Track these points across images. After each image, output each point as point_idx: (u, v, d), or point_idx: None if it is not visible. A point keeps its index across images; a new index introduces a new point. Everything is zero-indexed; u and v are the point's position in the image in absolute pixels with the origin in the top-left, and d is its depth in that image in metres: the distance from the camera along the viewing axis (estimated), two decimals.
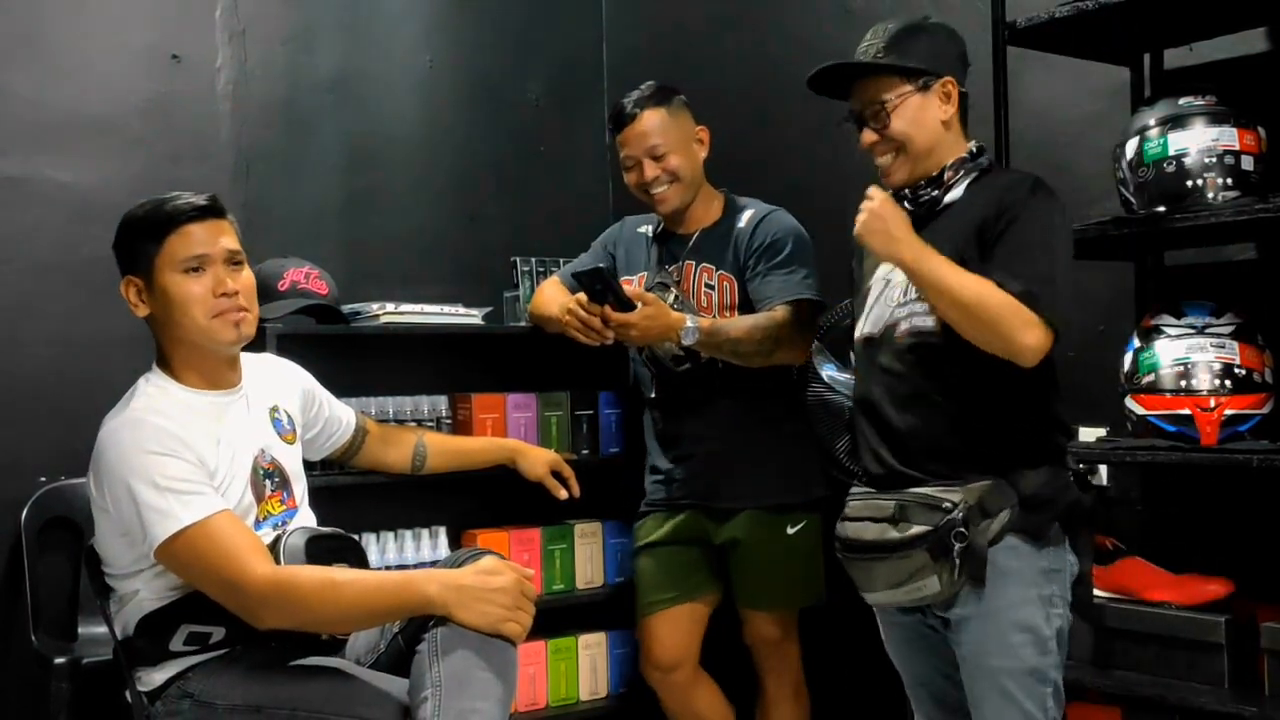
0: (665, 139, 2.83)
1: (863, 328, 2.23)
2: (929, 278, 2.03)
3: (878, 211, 2.10)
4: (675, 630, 2.94)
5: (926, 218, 2.15)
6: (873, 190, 2.14)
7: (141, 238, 2.14)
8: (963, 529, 1.98)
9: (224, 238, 2.16)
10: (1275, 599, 2.29)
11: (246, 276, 2.20)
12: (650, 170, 2.83)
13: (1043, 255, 2.02)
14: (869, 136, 2.19)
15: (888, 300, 2.17)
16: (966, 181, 2.16)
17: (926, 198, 2.16)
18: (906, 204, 2.16)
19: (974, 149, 2.19)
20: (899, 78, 2.14)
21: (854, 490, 2.21)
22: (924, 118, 2.14)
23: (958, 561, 1.98)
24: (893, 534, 2.04)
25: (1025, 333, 1.96)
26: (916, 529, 2.01)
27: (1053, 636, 2.05)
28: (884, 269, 2.20)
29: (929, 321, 2.08)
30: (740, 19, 3.50)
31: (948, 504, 2.00)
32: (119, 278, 2.22)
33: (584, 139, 3.79)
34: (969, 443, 2.06)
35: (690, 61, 3.55)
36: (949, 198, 2.16)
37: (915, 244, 2.06)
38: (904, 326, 2.12)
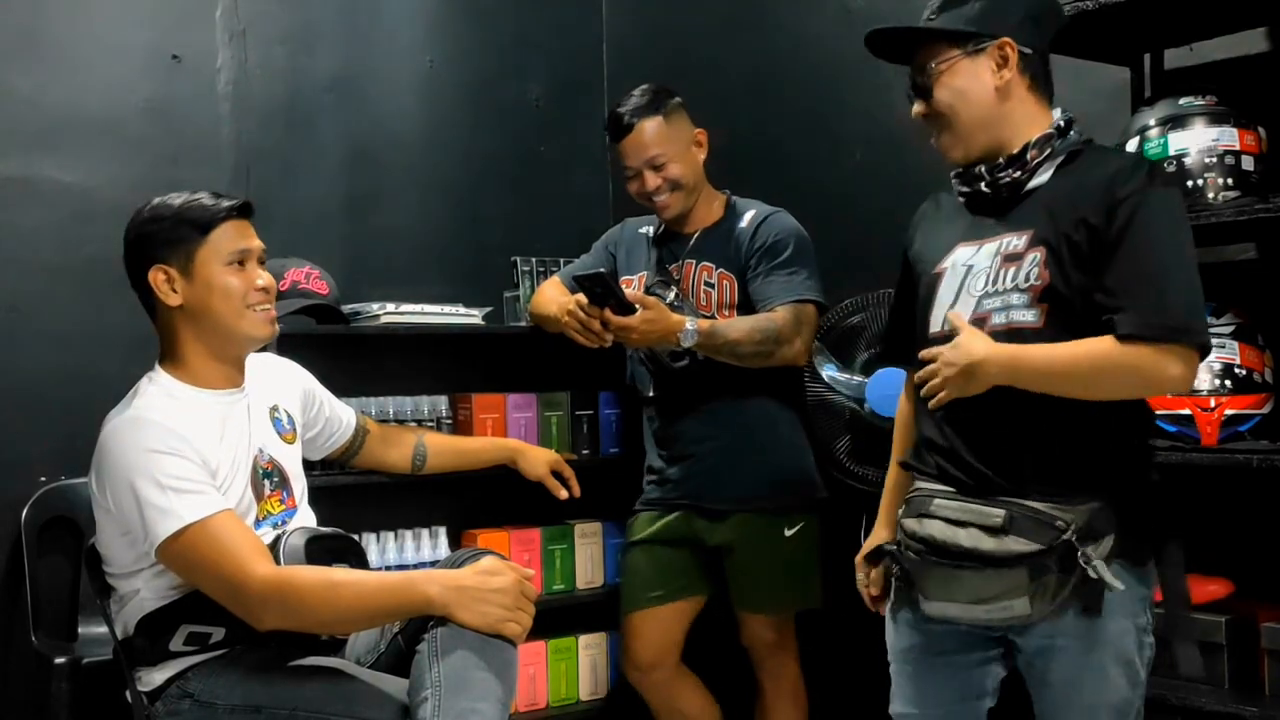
0: (664, 148, 2.82)
1: (941, 321, 1.98)
2: (1037, 377, 1.85)
3: (949, 368, 1.90)
4: (657, 629, 2.93)
5: (1010, 202, 1.95)
6: (927, 352, 1.95)
7: (184, 227, 2.16)
8: (1071, 554, 1.81)
9: (255, 237, 2.23)
10: (1275, 599, 2.29)
11: (270, 277, 2.25)
12: (651, 181, 2.83)
13: (1176, 272, 1.82)
14: (918, 108, 2.00)
15: (971, 289, 1.95)
16: (1056, 162, 1.94)
17: (1007, 180, 1.94)
18: (984, 186, 1.97)
19: (1061, 123, 1.96)
20: (947, 41, 1.94)
21: (925, 486, 2.00)
22: (973, 86, 1.93)
23: (1060, 586, 1.81)
24: (999, 546, 1.84)
25: (1168, 369, 1.80)
26: (1024, 545, 1.82)
27: (1144, 667, 1.93)
28: (963, 252, 1.99)
29: (1029, 316, 1.88)
30: (740, 19, 3.50)
31: (1061, 523, 1.82)
32: (120, 277, 2.22)
33: (584, 139, 3.79)
34: (1074, 457, 1.88)
35: (690, 61, 3.55)
36: (1035, 181, 1.94)
37: (1000, 358, 1.86)
38: (997, 321, 1.91)
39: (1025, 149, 1.93)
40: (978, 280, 1.95)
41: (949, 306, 1.97)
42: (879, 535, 2.18)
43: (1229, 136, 2.20)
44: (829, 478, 2.88)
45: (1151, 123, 2.27)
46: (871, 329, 2.83)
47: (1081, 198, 1.87)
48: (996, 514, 1.84)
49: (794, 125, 3.33)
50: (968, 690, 2.04)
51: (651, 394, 2.95)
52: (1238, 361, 2.18)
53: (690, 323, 2.68)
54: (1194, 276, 1.85)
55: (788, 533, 2.84)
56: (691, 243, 2.92)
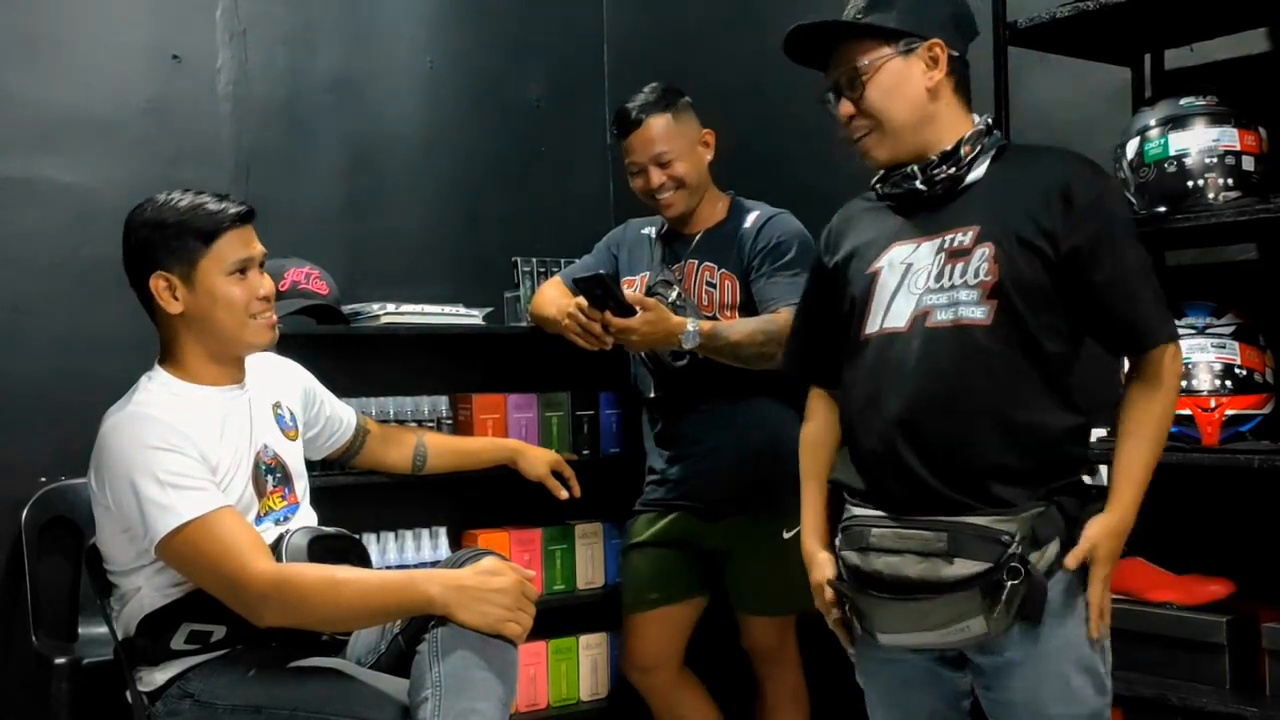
0: (671, 146, 2.82)
1: (878, 321, 1.94)
2: (1139, 498, 1.86)
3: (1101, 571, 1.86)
4: (658, 632, 2.93)
5: (945, 199, 1.93)
6: (1070, 560, 1.85)
7: (186, 236, 2.14)
8: (1019, 565, 1.77)
9: (257, 243, 2.22)
10: (1276, 599, 2.28)
11: (271, 283, 2.25)
12: (656, 177, 2.83)
13: (1142, 271, 1.87)
14: (845, 108, 1.97)
15: (912, 287, 1.91)
16: (988, 159, 1.93)
17: (944, 176, 1.92)
18: (919, 184, 1.94)
19: (988, 121, 1.97)
20: (877, 40, 1.92)
21: (858, 513, 1.94)
22: (905, 87, 1.92)
23: (1009, 600, 1.76)
24: (947, 571, 1.78)
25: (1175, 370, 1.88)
26: (973, 566, 1.77)
27: (1108, 673, 1.90)
28: (900, 250, 1.95)
29: (978, 313, 1.84)
30: (740, 19, 3.50)
31: (1006, 536, 1.78)
32: (120, 277, 2.22)
33: (584, 139, 3.79)
34: (1023, 459, 1.84)
35: (691, 61, 3.54)
36: (972, 176, 1.93)
37: (1116, 516, 1.86)
38: (942, 317, 1.86)
39: (959, 145, 1.92)
40: (918, 277, 1.90)
41: (887, 305, 1.93)
42: (822, 561, 2.10)
43: (1229, 137, 2.20)
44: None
45: (1152, 123, 2.26)
46: None
47: (1028, 193, 1.87)
48: (940, 537, 1.80)
49: (794, 126, 3.32)
50: (937, 711, 2.01)
51: (653, 395, 2.94)
52: (1238, 362, 2.18)
53: (691, 324, 2.67)
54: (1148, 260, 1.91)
55: (786, 535, 2.83)
56: (694, 243, 2.92)
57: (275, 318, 2.25)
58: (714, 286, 2.86)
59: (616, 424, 3.30)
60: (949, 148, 1.92)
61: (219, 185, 2.52)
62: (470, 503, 3.22)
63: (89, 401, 2.27)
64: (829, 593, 2.04)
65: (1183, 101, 2.25)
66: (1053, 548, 1.82)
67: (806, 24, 1.97)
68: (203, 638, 2.10)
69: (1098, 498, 1.91)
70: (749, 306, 2.81)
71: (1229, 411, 2.16)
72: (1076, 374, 1.91)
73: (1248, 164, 2.19)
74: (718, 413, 2.84)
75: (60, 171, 3.00)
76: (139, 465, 2.02)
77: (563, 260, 3.26)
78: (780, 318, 2.72)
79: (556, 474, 2.94)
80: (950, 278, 1.87)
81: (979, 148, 1.93)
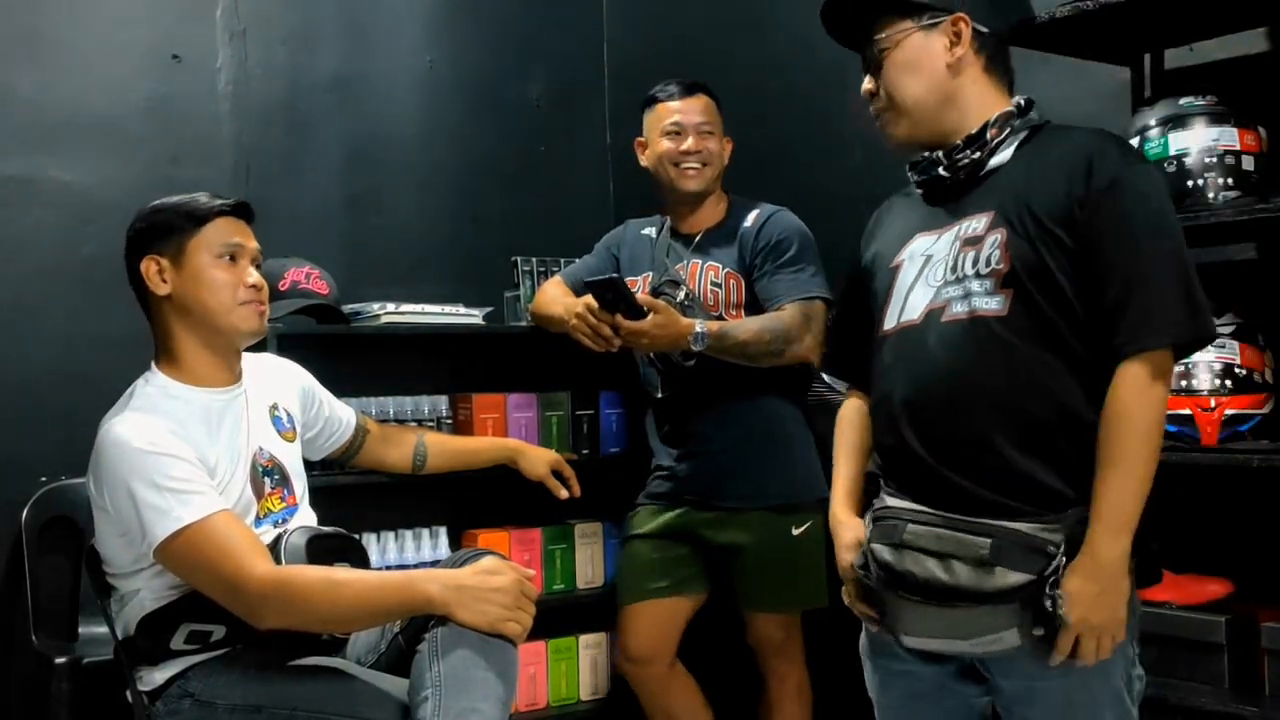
0: (713, 122, 2.93)
1: (896, 316, 1.87)
2: (1133, 514, 1.69)
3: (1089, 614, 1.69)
4: (652, 623, 2.93)
5: (967, 185, 1.84)
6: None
7: (178, 218, 2.18)
8: (1059, 576, 1.66)
9: (252, 239, 2.24)
10: (1275, 599, 2.28)
11: (261, 277, 2.25)
12: (696, 142, 2.89)
13: (1157, 265, 1.69)
14: (867, 85, 1.89)
15: (930, 279, 1.83)
16: (1016, 142, 1.82)
17: (966, 161, 1.83)
18: (942, 170, 1.86)
19: (1021, 103, 1.86)
20: (900, 14, 1.84)
21: (892, 503, 1.83)
22: (923, 63, 1.83)
23: (1048, 615, 1.66)
24: (988, 581, 1.67)
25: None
26: (1015, 577, 1.66)
27: (1134, 702, 1.78)
28: (921, 242, 1.87)
29: (993, 304, 1.75)
30: (741, 19, 3.50)
31: (1051, 547, 1.67)
32: (120, 277, 2.22)
33: (584, 139, 3.79)
34: (1053, 458, 1.73)
35: (691, 62, 3.54)
36: (995, 160, 1.82)
37: (1104, 547, 1.69)
38: (958, 310, 1.78)
39: (984, 128, 1.82)
40: (937, 269, 1.82)
41: (904, 298, 1.86)
42: (851, 525, 1.96)
43: (1229, 136, 2.20)
44: (825, 477, 2.88)
45: (1152, 123, 2.26)
46: None
47: (1048, 174, 1.76)
48: (981, 543, 1.68)
49: (795, 126, 3.32)
50: None
51: (661, 395, 2.94)
52: (1238, 361, 2.18)
53: (700, 326, 2.68)
54: (1187, 256, 1.74)
55: (795, 532, 2.84)
56: (695, 242, 2.93)
57: (265, 309, 2.24)
58: (719, 286, 2.87)
59: (616, 424, 3.30)
60: (974, 131, 1.83)
61: (219, 185, 2.53)
62: (470, 503, 3.22)
63: (89, 401, 2.28)
64: (851, 558, 1.91)
65: (1182, 101, 2.25)
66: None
67: (834, 1, 1.93)
68: (202, 637, 2.10)
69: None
70: (754, 305, 2.83)
71: (1228, 411, 2.16)
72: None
73: (1247, 163, 2.19)
74: (726, 411, 2.85)
75: (60, 171, 3.00)
76: (136, 470, 2.03)
77: (562, 260, 3.26)
78: (785, 314, 2.74)
79: (556, 474, 2.95)
80: (963, 268, 1.78)
81: (1007, 130, 1.82)
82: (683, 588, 2.93)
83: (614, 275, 2.76)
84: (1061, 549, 1.68)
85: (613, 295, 2.66)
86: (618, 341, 2.72)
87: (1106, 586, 1.68)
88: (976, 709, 1.90)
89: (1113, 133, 1.83)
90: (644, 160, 2.98)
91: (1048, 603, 1.66)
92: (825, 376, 2.80)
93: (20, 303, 2.94)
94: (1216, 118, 2.21)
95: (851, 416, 2.07)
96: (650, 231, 3.05)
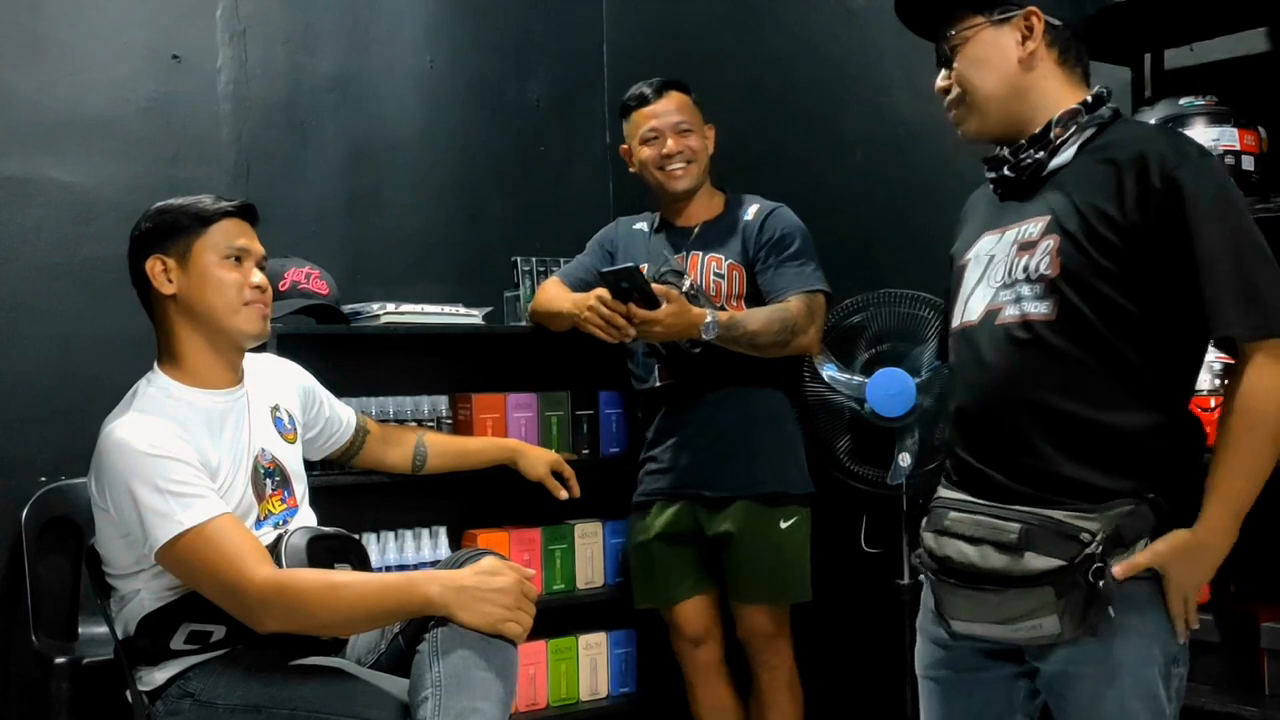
0: (689, 119, 2.93)
1: (960, 315, 1.88)
2: (1244, 507, 1.70)
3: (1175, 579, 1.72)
4: (701, 609, 2.98)
5: (1030, 187, 1.82)
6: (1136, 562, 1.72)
7: (185, 218, 2.19)
8: (1102, 564, 1.66)
9: (257, 241, 2.25)
10: (1275, 599, 2.28)
11: (266, 279, 2.26)
12: (675, 143, 2.89)
13: (1227, 254, 1.65)
14: (941, 81, 1.87)
15: (991, 280, 1.82)
16: (1081, 139, 1.79)
17: (1029, 161, 1.80)
18: (1007, 170, 1.84)
19: (1090, 98, 1.80)
20: (971, 9, 1.82)
21: (943, 494, 1.86)
22: (994, 58, 1.81)
23: (1088, 603, 1.66)
24: (1016, 565, 1.69)
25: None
26: (1045, 561, 1.67)
27: (1172, 701, 1.75)
28: (987, 242, 1.86)
29: (1042, 308, 1.74)
30: (740, 19, 3.50)
31: (1085, 534, 1.67)
32: (120, 277, 2.22)
33: (584, 139, 3.79)
34: (1096, 458, 1.72)
35: (690, 62, 3.54)
36: (1056, 161, 1.80)
37: (1193, 535, 1.71)
38: (1010, 313, 1.78)
39: (1049, 127, 1.79)
40: (997, 270, 1.82)
41: (967, 299, 1.87)
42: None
43: (1229, 136, 2.20)
44: (823, 476, 2.89)
45: (1152, 122, 2.26)
46: (872, 329, 2.84)
47: (1102, 176, 1.73)
48: (1011, 528, 1.70)
49: (794, 125, 3.33)
50: (997, 709, 1.90)
51: (659, 384, 2.95)
52: None
53: (711, 315, 2.72)
54: (1259, 243, 1.70)
55: (783, 525, 2.86)
56: (694, 234, 2.95)
57: (269, 311, 2.25)
58: (722, 277, 2.89)
59: (616, 424, 3.30)
60: (1040, 129, 1.80)
61: (219, 185, 2.53)
62: (470, 503, 3.21)
63: (89, 401, 2.28)
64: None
65: (1182, 101, 2.26)
66: (1139, 549, 1.70)
67: None
68: (202, 637, 2.10)
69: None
70: (755, 296, 2.86)
71: None
72: (1177, 367, 1.77)
73: (1247, 164, 2.20)
74: (721, 400, 2.88)
75: (60, 171, 3.00)
76: (138, 472, 2.02)
77: (562, 260, 3.26)
78: (791, 306, 2.77)
79: (556, 474, 2.94)
80: (1015, 272, 1.78)
81: (1071, 129, 1.79)
82: (702, 585, 2.97)
83: (631, 265, 2.77)
84: (1099, 537, 1.67)
85: (628, 284, 2.68)
86: (632, 331, 2.74)
87: (1203, 550, 1.71)
88: (1019, 691, 1.89)
89: (1170, 128, 1.82)
90: (632, 166, 3.01)
91: (1089, 583, 1.66)
92: (825, 376, 2.82)
93: (20, 303, 2.94)
94: (1216, 118, 2.21)
95: None
96: (642, 226, 3.07)
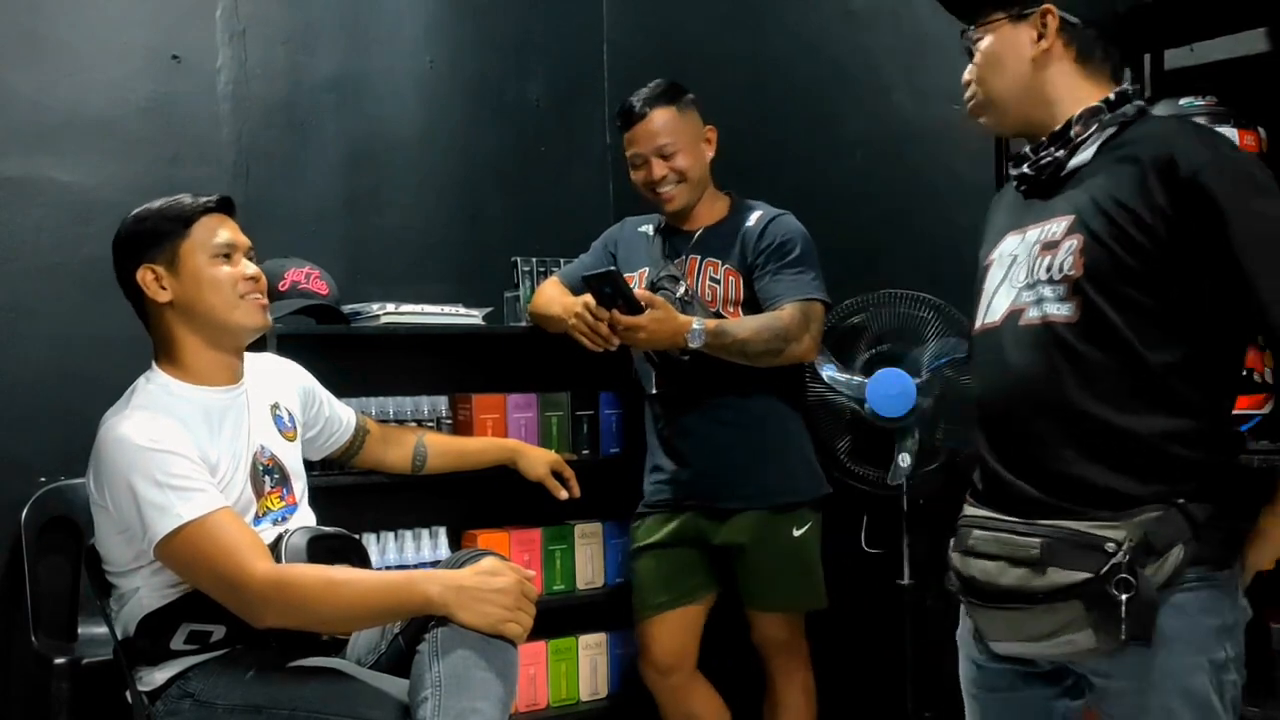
0: (674, 138, 2.83)
1: (982, 316, 1.85)
2: None
3: None
4: (673, 634, 2.93)
5: (1052, 186, 1.78)
6: None
7: (166, 223, 2.18)
8: (1128, 575, 1.60)
9: (241, 234, 2.24)
10: (1277, 599, 2.28)
11: (258, 268, 2.25)
12: (659, 169, 2.84)
13: (1267, 241, 1.61)
14: (965, 75, 1.86)
15: (1014, 281, 1.79)
16: (1103, 137, 1.75)
17: (1049, 159, 1.78)
18: (1027, 168, 1.81)
19: (1112, 96, 1.77)
20: (994, 4, 1.80)
21: (969, 512, 1.82)
22: (1008, 55, 1.79)
23: (1121, 615, 1.61)
24: (1038, 581, 1.65)
25: None
26: (1067, 576, 1.63)
27: (1226, 710, 1.68)
28: (1010, 242, 1.83)
29: (1064, 310, 1.70)
30: (740, 19, 3.50)
31: (1110, 544, 1.62)
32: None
33: (584, 139, 3.79)
34: (1120, 463, 1.68)
35: (690, 62, 3.54)
36: (1076, 160, 1.76)
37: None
38: (1032, 315, 1.74)
39: (1069, 125, 1.76)
40: (1019, 271, 1.78)
41: (990, 300, 1.83)
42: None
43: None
44: (829, 477, 2.88)
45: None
46: (872, 329, 2.84)
47: (1126, 173, 1.69)
48: (1033, 544, 1.66)
49: (794, 126, 3.33)
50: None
51: (655, 390, 2.94)
52: None
53: (697, 323, 2.68)
54: None
55: (796, 532, 2.84)
56: (695, 239, 2.92)
57: (266, 300, 2.25)
58: (718, 282, 2.86)
59: (616, 424, 3.30)
60: (1059, 127, 1.78)
61: (219, 185, 2.53)
62: (470, 503, 3.21)
63: (89, 401, 2.27)
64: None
65: (1182, 101, 2.25)
66: (1174, 556, 1.64)
67: None
68: (202, 638, 2.10)
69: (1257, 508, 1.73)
70: (752, 303, 2.82)
71: None
72: (1206, 370, 1.71)
73: None
74: (724, 409, 2.84)
75: (60, 171, 3.01)
76: (137, 467, 2.02)
77: (562, 260, 3.26)
78: (785, 314, 2.73)
79: (556, 474, 2.94)
80: (1037, 273, 1.75)
81: (1092, 127, 1.75)
82: (692, 596, 2.93)
83: (611, 268, 2.76)
84: (1125, 545, 1.62)
85: (610, 289, 2.66)
86: (616, 341, 2.72)
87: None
88: (1056, 713, 1.85)
89: (1194, 122, 1.79)
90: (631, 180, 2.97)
91: (1117, 594, 1.62)
92: (825, 376, 2.81)
93: (20, 303, 2.94)
94: (1216, 118, 2.21)
95: None
96: (648, 229, 3.04)
